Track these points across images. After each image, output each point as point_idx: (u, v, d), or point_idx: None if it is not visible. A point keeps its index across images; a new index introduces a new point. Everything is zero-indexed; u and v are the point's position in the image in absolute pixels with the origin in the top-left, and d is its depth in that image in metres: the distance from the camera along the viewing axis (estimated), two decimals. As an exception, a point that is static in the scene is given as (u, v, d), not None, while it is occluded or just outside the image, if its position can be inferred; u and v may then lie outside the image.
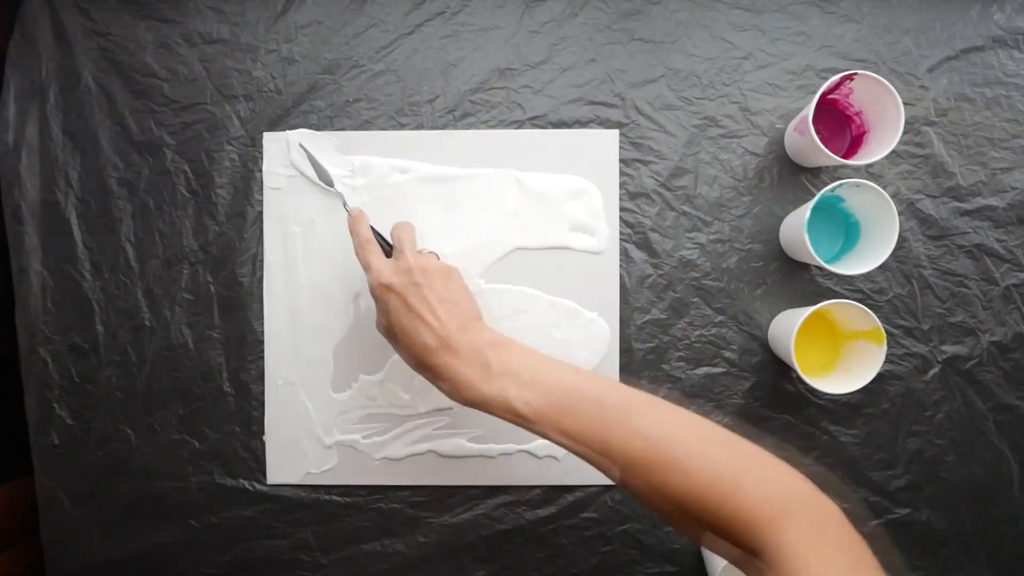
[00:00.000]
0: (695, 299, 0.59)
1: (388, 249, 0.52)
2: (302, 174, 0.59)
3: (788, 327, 0.52)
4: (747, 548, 0.36)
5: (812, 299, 0.57)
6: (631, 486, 0.40)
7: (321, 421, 0.59)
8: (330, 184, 0.58)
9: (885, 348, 0.51)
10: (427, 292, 0.47)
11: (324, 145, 0.59)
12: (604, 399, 0.41)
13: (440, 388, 0.46)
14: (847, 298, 0.56)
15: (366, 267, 0.50)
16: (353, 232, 0.52)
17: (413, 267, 0.48)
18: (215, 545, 0.59)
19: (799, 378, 0.58)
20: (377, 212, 0.59)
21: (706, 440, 0.39)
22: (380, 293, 0.48)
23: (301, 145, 0.58)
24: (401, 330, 0.47)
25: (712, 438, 0.40)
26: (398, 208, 0.59)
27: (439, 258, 0.52)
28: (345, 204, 0.56)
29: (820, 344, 0.56)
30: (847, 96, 0.54)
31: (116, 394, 0.59)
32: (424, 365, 0.46)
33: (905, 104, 0.50)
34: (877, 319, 0.50)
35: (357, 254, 0.51)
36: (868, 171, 0.58)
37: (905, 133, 0.52)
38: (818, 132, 0.51)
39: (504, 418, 0.44)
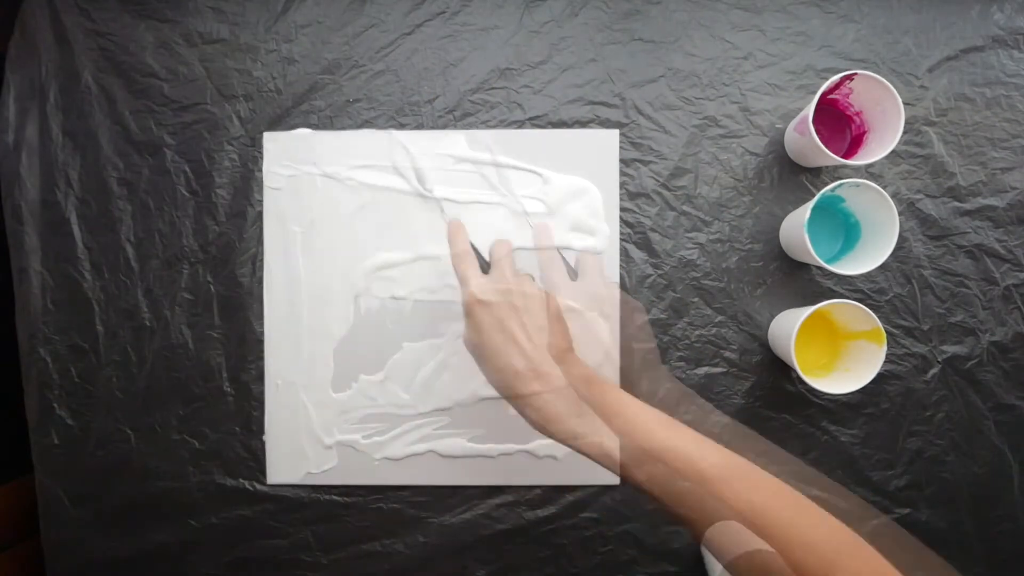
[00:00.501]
0: (695, 299, 0.59)
1: (483, 263, 0.51)
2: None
3: (788, 327, 0.52)
4: None
5: (812, 299, 0.57)
6: (718, 550, 0.39)
7: (321, 421, 0.59)
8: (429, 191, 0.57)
9: (885, 348, 0.51)
10: (524, 316, 0.45)
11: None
12: (701, 459, 0.40)
13: (525, 416, 0.45)
14: (847, 298, 0.56)
15: (463, 280, 0.48)
16: (451, 242, 0.50)
17: (513, 288, 0.46)
18: (215, 545, 0.59)
19: (799, 378, 0.58)
20: (377, 211, 0.59)
21: (804, 514, 0.38)
22: (474, 309, 0.46)
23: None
24: (492, 350, 0.45)
25: (807, 512, 0.38)
26: (398, 208, 0.59)
27: (534, 281, 0.50)
28: (443, 212, 0.56)
29: (820, 344, 0.56)
30: (847, 96, 0.54)
31: (116, 394, 0.60)
32: (511, 390, 0.44)
33: (905, 104, 0.50)
34: (877, 319, 0.50)
35: (454, 266, 0.49)
36: (868, 171, 0.58)
37: (905, 133, 0.52)
38: (818, 132, 0.51)
39: (591, 456, 0.42)
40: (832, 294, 0.58)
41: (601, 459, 0.42)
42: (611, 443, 0.42)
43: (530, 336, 0.45)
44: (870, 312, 0.50)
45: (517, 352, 0.44)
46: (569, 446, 0.43)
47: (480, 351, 0.46)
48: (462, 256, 0.49)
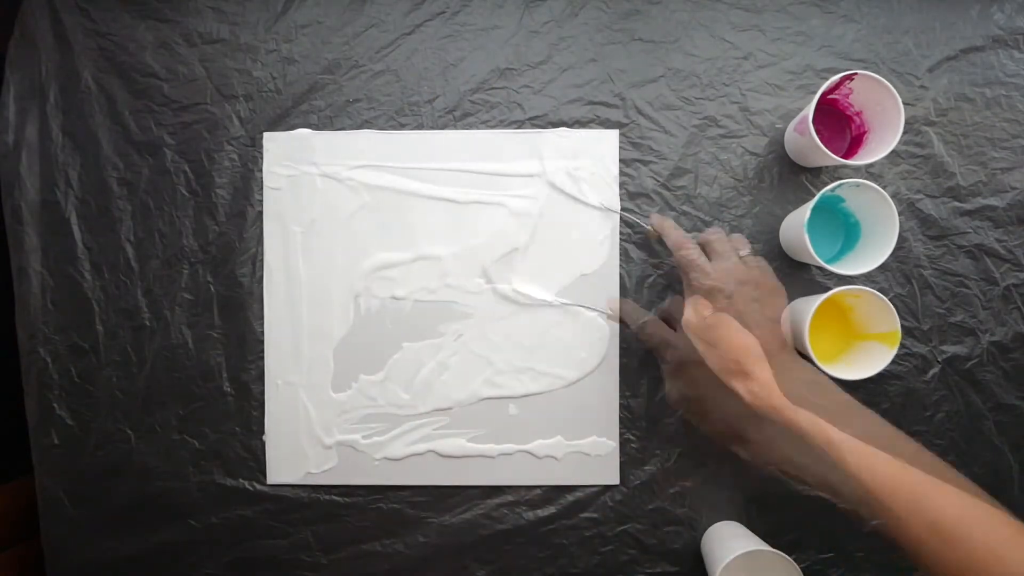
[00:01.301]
0: (695, 299, 0.59)
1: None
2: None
3: (807, 306, 0.52)
4: None
5: (812, 299, 0.57)
6: (920, 547, 0.39)
7: (321, 421, 0.59)
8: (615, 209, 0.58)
9: (895, 350, 0.50)
10: (756, 301, 0.47)
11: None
12: (918, 453, 0.41)
13: (738, 387, 0.44)
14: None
15: (690, 264, 0.49)
16: (666, 235, 0.53)
17: (756, 281, 0.48)
18: (215, 545, 0.59)
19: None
20: (377, 211, 0.59)
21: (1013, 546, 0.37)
22: (709, 290, 0.47)
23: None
24: (720, 328, 0.46)
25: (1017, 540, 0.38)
26: (398, 207, 0.59)
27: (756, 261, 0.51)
28: (638, 224, 0.57)
29: (831, 337, 0.56)
30: (847, 96, 0.54)
31: (116, 394, 0.60)
32: (732, 362, 0.45)
33: (905, 104, 0.50)
34: (898, 321, 0.50)
35: (680, 256, 0.51)
36: (868, 171, 0.58)
37: (905, 133, 0.52)
38: (818, 132, 0.50)
39: (811, 435, 0.42)
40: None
41: (824, 440, 0.41)
42: (834, 432, 0.41)
43: (759, 319, 0.46)
44: (893, 310, 0.50)
45: (743, 333, 0.45)
46: (790, 424, 0.43)
47: (708, 334, 0.46)
48: (683, 243, 0.51)
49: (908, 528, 0.39)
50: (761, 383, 0.44)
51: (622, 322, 0.57)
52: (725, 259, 0.49)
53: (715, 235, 0.52)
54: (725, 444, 0.46)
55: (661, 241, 0.55)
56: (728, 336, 0.45)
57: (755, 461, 0.45)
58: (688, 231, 0.59)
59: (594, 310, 0.56)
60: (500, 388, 0.59)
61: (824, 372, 0.51)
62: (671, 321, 0.53)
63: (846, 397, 0.46)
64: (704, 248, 0.51)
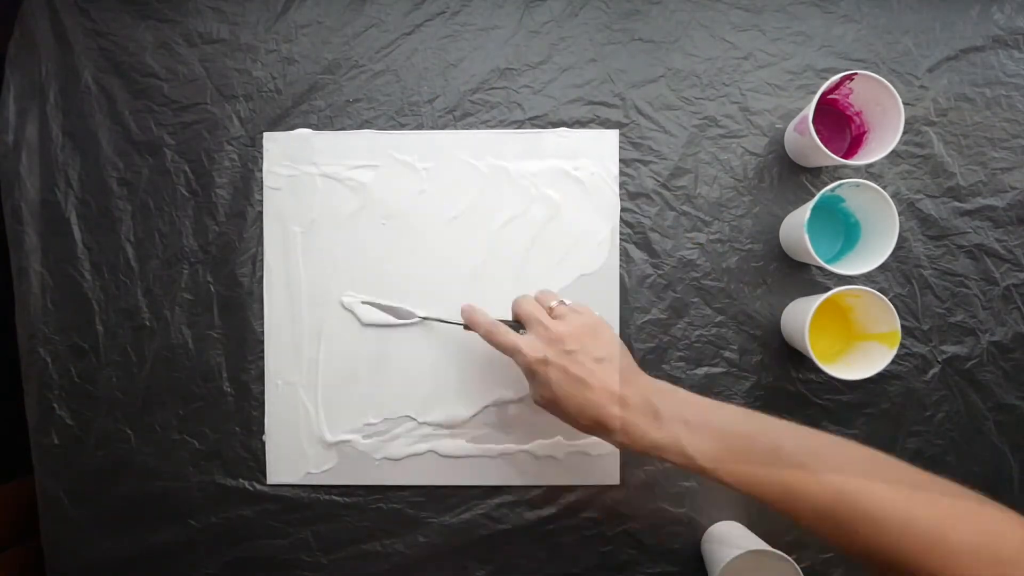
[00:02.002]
0: (695, 299, 0.59)
1: (514, 326, 0.52)
2: (380, 324, 0.59)
3: (807, 306, 0.52)
4: None
5: (812, 299, 0.57)
6: (821, 535, 0.38)
7: (321, 421, 0.59)
8: (411, 316, 0.58)
9: (895, 350, 0.50)
10: (582, 356, 0.47)
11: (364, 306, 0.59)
12: (781, 444, 0.40)
13: (612, 440, 0.46)
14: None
15: (510, 350, 0.49)
16: (474, 324, 0.53)
17: (563, 335, 0.48)
18: (215, 545, 0.59)
19: (799, 378, 0.58)
20: (377, 211, 0.59)
21: (897, 486, 0.37)
22: (537, 368, 0.47)
23: (364, 303, 0.59)
24: (565, 397, 0.46)
25: (903, 482, 0.37)
26: (397, 208, 0.59)
27: (565, 303, 0.52)
28: (447, 321, 0.57)
29: (831, 337, 0.56)
30: (847, 96, 0.54)
31: (116, 394, 0.60)
32: (595, 423, 0.46)
33: (905, 104, 0.50)
34: (898, 321, 0.50)
35: (492, 343, 0.51)
36: (868, 171, 0.58)
37: (905, 133, 0.52)
38: (818, 132, 0.51)
39: (677, 464, 0.43)
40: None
41: (688, 465, 0.42)
42: (692, 449, 0.42)
43: (594, 372, 0.46)
44: (893, 310, 0.50)
45: (589, 390, 0.46)
46: (659, 458, 0.44)
47: (554, 404, 0.48)
48: (493, 329, 0.51)
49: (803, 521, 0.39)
50: (622, 431, 0.45)
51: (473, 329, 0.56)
52: (534, 327, 0.49)
53: (520, 306, 0.52)
54: (594, 434, 0.47)
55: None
56: (574, 409, 0.46)
57: (625, 447, 0.45)
58: (688, 231, 0.59)
59: (452, 323, 0.56)
60: (500, 388, 0.59)
61: (826, 373, 0.51)
62: (520, 323, 0.52)
63: (687, 394, 0.46)
64: (517, 320, 0.52)
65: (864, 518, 0.35)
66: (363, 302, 0.58)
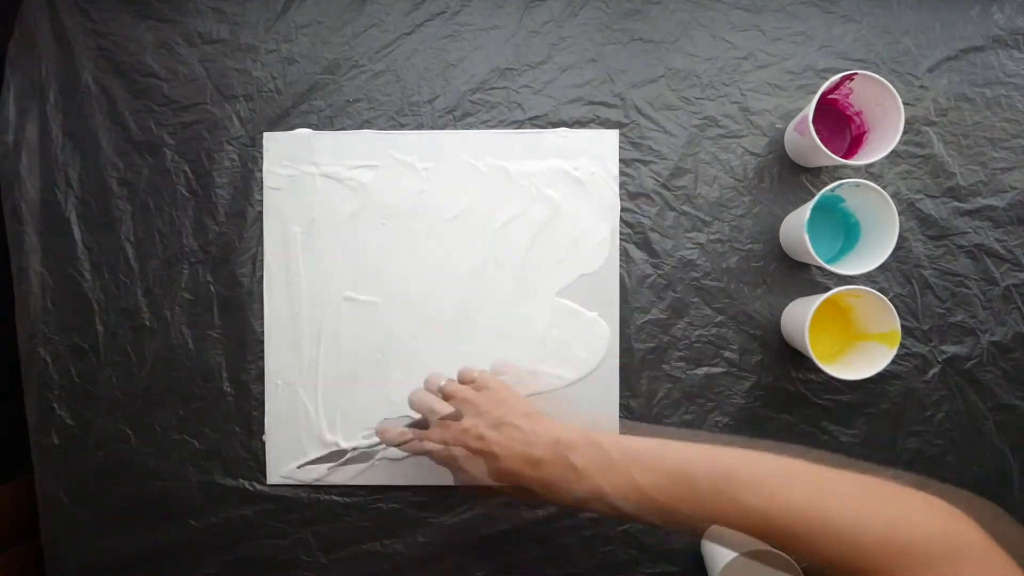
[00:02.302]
0: (695, 299, 0.59)
1: (423, 423, 0.53)
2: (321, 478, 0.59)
3: (807, 306, 0.52)
4: None
5: (812, 299, 0.57)
6: (784, 550, 0.38)
7: (321, 421, 0.59)
8: (341, 457, 0.59)
9: (895, 350, 0.50)
10: (478, 431, 0.46)
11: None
12: (730, 469, 0.39)
13: (553, 501, 0.44)
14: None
15: (424, 452, 0.50)
16: (388, 440, 0.53)
17: (451, 425, 0.48)
18: (215, 545, 0.59)
19: (799, 378, 0.58)
20: (377, 211, 0.59)
21: (849, 496, 0.37)
22: (449, 464, 0.48)
23: (300, 467, 0.59)
24: (517, 470, 0.44)
25: (854, 492, 0.37)
26: (398, 207, 0.59)
27: (445, 382, 0.53)
28: (369, 447, 0.58)
29: (831, 337, 0.56)
30: (847, 96, 0.54)
31: (116, 394, 0.60)
32: (528, 492, 0.44)
33: (905, 104, 0.50)
34: (898, 321, 0.50)
35: (410, 452, 0.52)
36: (868, 171, 0.58)
37: (905, 133, 0.52)
38: (818, 132, 0.51)
39: (607, 514, 0.42)
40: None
41: (637, 503, 0.41)
42: (645, 483, 0.40)
43: (495, 443, 0.45)
44: (893, 310, 0.50)
45: (497, 461, 0.45)
46: (589, 510, 0.42)
47: (481, 486, 0.47)
48: (408, 442, 0.52)
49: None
50: (548, 490, 0.43)
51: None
52: (433, 419, 0.50)
53: (418, 404, 0.52)
54: (531, 502, 0.46)
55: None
56: (499, 482, 0.45)
57: (563, 503, 0.44)
58: (688, 231, 0.59)
59: (374, 447, 0.58)
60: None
61: (826, 373, 0.51)
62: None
63: (601, 435, 0.44)
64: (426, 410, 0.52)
65: (820, 534, 0.36)
66: (298, 467, 0.59)
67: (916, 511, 0.36)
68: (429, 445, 0.49)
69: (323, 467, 0.58)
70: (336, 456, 0.58)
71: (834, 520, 0.36)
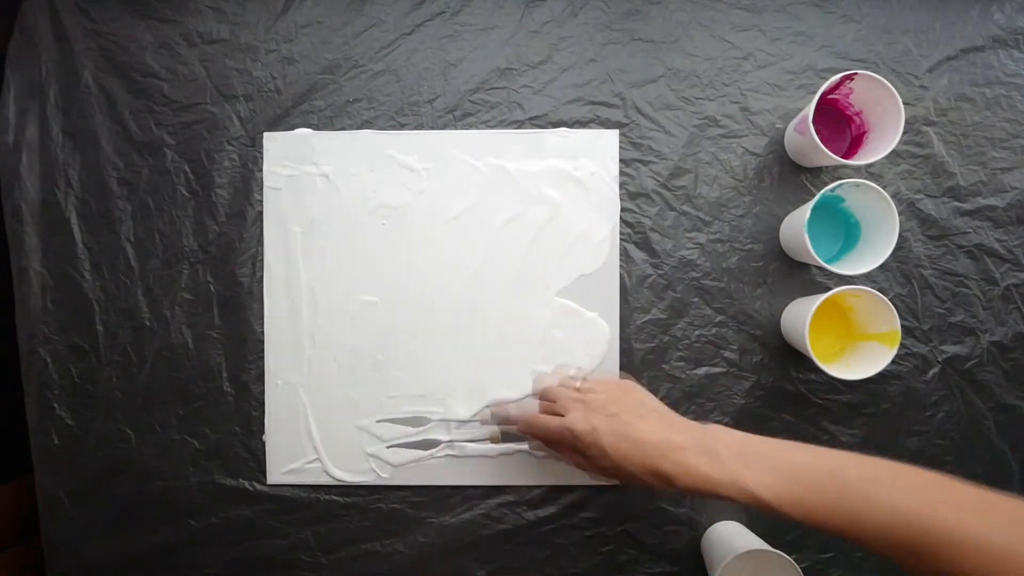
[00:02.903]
0: (695, 299, 0.59)
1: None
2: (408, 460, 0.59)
3: (807, 306, 0.52)
4: None
5: (812, 299, 0.57)
6: (891, 560, 0.37)
7: (321, 421, 0.59)
8: (426, 423, 0.59)
9: (895, 350, 0.50)
10: (626, 416, 0.47)
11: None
12: (843, 473, 0.39)
13: (675, 488, 0.45)
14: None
15: (558, 432, 0.49)
16: (511, 422, 0.54)
17: (602, 402, 0.48)
18: (215, 545, 0.59)
19: (799, 378, 0.58)
20: (376, 211, 0.59)
21: (971, 510, 0.35)
22: (589, 440, 0.47)
23: (379, 422, 0.59)
24: (623, 459, 0.46)
25: (977, 506, 0.35)
26: (398, 207, 0.59)
27: (586, 378, 0.53)
28: (477, 440, 0.58)
29: (831, 338, 0.56)
30: (847, 96, 0.54)
31: (116, 394, 0.60)
32: (655, 474, 0.45)
33: (905, 104, 0.50)
34: (898, 321, 0.50)
35: (536, 433, 0.52)
36: (868, 171, 0.58)
37: (905, 133, 0.52)
38: (818, 132, 0.51)
39: (741, 502, 0.42)
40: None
41: (753, 503, 0.41)
42: (757, 487, 0.41)
43: (643, 427, 0.46)
44: (893, 310, 0.50)
45: (644, 445, 0.45)
46: (722, 497, 0.43)
47: (617, 469, 0.47)
48: (533, 421, 0.52)
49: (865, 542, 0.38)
50: (685, 477, 0.44)
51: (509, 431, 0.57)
52: (570, 404, 0.50)
53: (550, 389, 0.53)
54: (659, 487, 0.46)
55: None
56: (627, 467, 0.46)
57: (688, 491, 0.44)
58: (688, 231, 0.59)
59: (479, 441, 0.58)
60: (501, 388, 0.59)
61: (826, 373, 0.51)
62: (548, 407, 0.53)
63: (730, 431, 0.45)
64: (547, 400, 0.53)
65: (937, 541, 0.35)
66: (378, 421, 0.58)
67: None
68: (569, 423, 0.49)
69: (406, 430, 0.58)
70: (419, 422, 0.58)
71: (951, 532, 0.35)
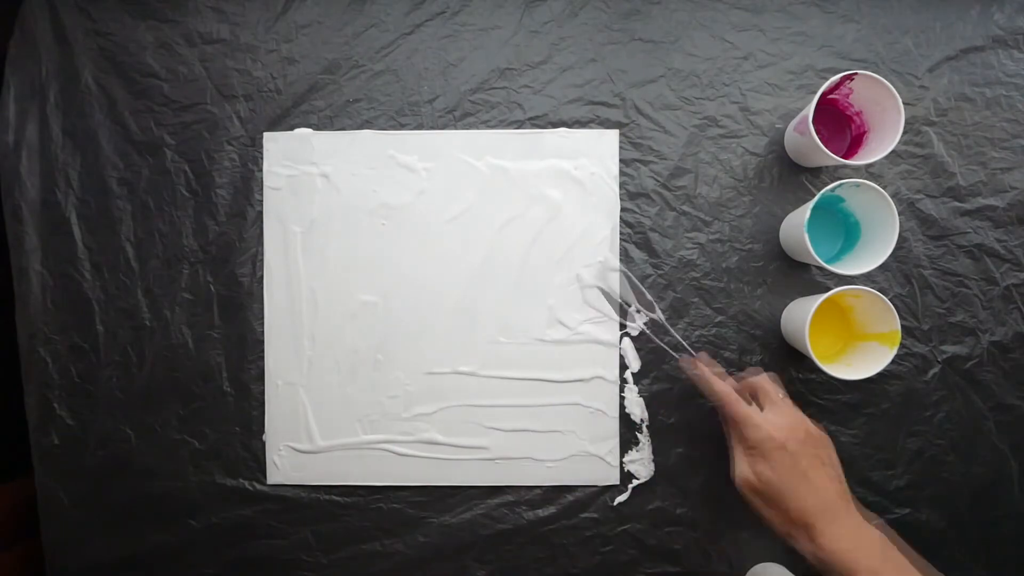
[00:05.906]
0: (695, 299, 0.59)
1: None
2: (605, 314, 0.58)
3: (807, 306, 0.52)
4: None
5: (812, 299, 0.57)
6: None
7: (321, 421, 0.59)
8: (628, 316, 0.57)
9: (895, 350, 0.50)
10: (816, 456, 0.46)
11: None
12: None
13: (804, 548, 0.44)
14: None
15: (746, 422, 0.48)
16: (703, 380, 0.51)
17: (808, 430, 0.47)
18: (215, 545, 0.59)
19: (799, 378, 0.58)
20: (376, 211, 0.59)
21: None
22: (772, 449, 0.46)
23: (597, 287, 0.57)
24: (787, 490, 0.45)
25: None
26: (398, 207, 0.59)
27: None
28: (666, 348, 0.57)
29: (830, 337, 0.56)
30: (847, 96, 0.54)
31: (116, 394, 0.60)
32: (800, 525, 0.44)
33: (905, 104, 0.50)
34: (898, 321, 0.50)
35: (724, 408, 0.49)
36: (868, 171, 0.58)
37: (905, 133, 0.52)
38: (818, 132, 0.50)
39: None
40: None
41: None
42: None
43: (822, 476, 0.46)
44: (893, 310, 0.50)
45: (810, 492, 0.45)
46: None
47: (769, 491, 0.46)
48: (727, 399, 0.49)
49: None
50: (827, 549, 0.43)
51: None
52: (776, 408, 0.48)
53: (762, 381, 0.50)
54: (787, 533, 0.45)
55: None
56: (792, 495, 0.45)
57: (814, 557, 0.44)
58: (688, 231, 0.59)
59: (670, 351, 0.56)
60: (500, 388, 0.59)
61: (826, 373, 0.51)
62: (750, 394, 0.51)
63: (896, 554, 0.44)
64: (752, 393, 0.51)
65: None
66: (599, 287, 0.57)
67: None
68: (763, 422, 0.47)
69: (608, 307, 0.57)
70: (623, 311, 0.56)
71: None
